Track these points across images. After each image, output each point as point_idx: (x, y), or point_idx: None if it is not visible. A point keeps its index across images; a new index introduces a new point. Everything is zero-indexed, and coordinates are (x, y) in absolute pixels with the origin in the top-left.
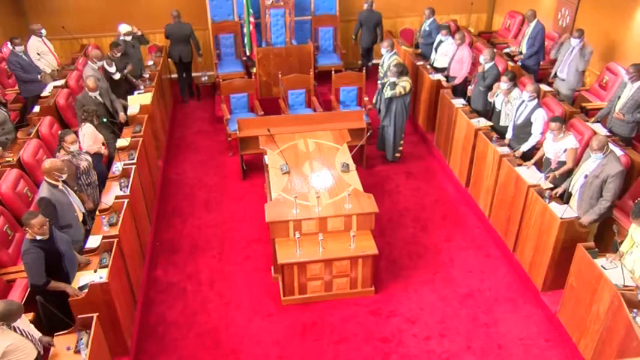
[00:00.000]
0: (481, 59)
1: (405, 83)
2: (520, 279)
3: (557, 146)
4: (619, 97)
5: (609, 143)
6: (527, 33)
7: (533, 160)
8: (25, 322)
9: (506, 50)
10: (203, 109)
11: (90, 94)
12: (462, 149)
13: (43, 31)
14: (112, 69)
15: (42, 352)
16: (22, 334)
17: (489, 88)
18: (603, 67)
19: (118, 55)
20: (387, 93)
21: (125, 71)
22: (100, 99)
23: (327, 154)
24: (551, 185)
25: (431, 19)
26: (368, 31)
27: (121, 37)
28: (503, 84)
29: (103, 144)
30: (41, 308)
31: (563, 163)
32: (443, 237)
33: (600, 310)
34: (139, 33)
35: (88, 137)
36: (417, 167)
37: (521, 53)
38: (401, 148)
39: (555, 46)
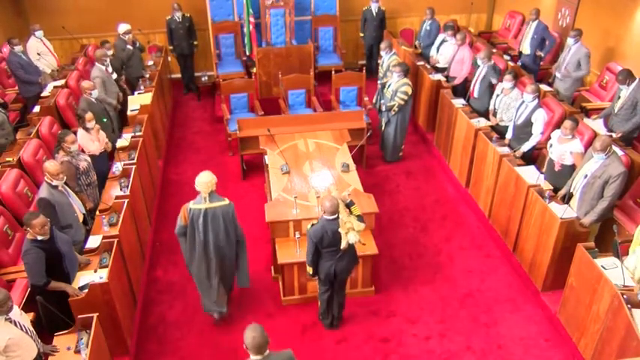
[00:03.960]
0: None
1: (404, 88)
2: (520, 279)
3: (562, 148)
4: (619, 98)
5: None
6: (527, 33)
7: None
8: (25, 318)
9: (507, 58)
10: (203, 109)
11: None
12: (462, 149)
13: (39, 32)
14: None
15: (42, 350)
16: (22, 330)
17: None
18: (603, 67)
19: (110, 52)
20: (394, 109)
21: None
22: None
23: (327, 154)
24: (552, 187)
25: (432, 20)
26: (372, 28)
27: (124, 37)
28: (507, 82)
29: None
30: (41, 308)
31: (567, 166)
32: (443, 237)
33: (600, 310)
34: (137, 44)
35: (83, 143)
36: (417, 167)
37: (520, 54)
38: (403, 147)
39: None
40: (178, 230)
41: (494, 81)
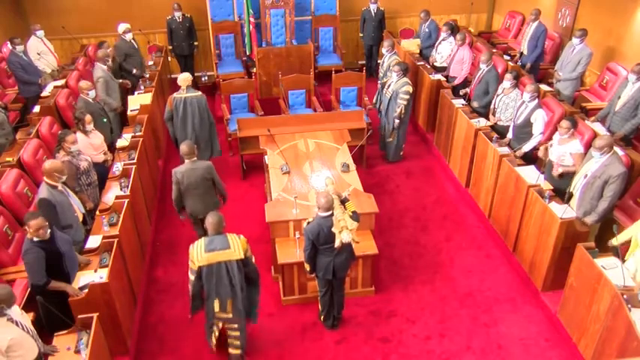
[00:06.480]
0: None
1: (405, 88)
2: (520, 279)
3: (562, 149)
4: (619, 97)
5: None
6: (527, 33)
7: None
8: (25, 318)
9: (507, 58)
10: None
11: (86, 97)
12: (462, 149)
13: (40, 32)
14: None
15: (42, 350)
16: (23, 330)
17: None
18: (603, 67)
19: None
20: (401, 113)
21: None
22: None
23: (327, 154)
24: (551, 187)
25: (429, 21)
26: (371, 28)
27: (124, 37)
28: (506, 82)
29: (105, 153)
30: (41, 308)
31: (566, 167)
32: (443, 237)
33: (600, 310)
34: (136, 46)
35: (82, 147)
36: (417, 167)
37: (522, 54)
38: (403, 146)
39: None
40: (166, 115)
41: (491, 89)
